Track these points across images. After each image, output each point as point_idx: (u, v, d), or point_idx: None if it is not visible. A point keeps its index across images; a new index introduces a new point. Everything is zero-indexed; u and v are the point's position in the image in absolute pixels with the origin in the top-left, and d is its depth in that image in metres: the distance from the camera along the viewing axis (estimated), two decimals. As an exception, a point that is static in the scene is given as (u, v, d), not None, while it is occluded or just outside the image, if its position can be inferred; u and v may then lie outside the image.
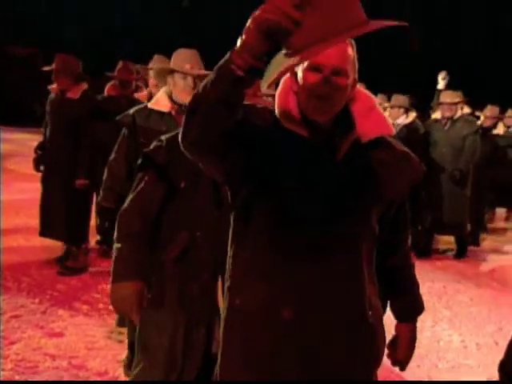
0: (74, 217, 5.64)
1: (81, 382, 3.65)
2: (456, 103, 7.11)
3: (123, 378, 3.64)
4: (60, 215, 5.61)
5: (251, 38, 1.47)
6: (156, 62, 5.30)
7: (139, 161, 2.58)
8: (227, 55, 1.54)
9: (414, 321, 2.13)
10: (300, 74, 1.81)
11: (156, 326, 2.57)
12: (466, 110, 7.73)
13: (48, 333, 4.30)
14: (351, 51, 1.82)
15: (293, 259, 1.79)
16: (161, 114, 3.49)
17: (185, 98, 3.43)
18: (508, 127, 9.20)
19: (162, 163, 2.51)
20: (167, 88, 3.54)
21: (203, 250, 2.52)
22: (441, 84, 7.47)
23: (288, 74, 1.85)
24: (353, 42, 1.83)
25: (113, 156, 3.76)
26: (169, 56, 5.05)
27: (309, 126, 1.82)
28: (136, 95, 5.95)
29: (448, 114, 7.11)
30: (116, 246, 2.51)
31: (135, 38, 20.83)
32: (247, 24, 1.48)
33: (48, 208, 5.71)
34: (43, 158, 5.81)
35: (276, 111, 1.88)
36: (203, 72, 3.50)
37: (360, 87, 1.93)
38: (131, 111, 3.62)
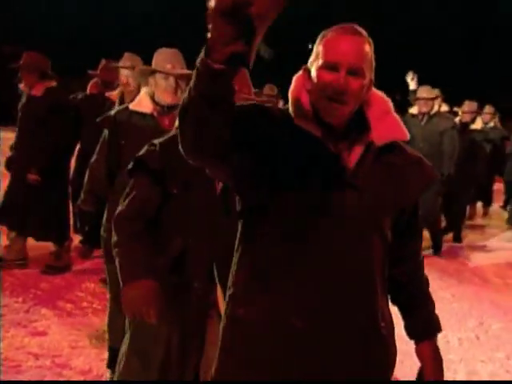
0: (53, 216, 5.56)
1: (69, 382, 3.60)
2: (432, 98, 7.13)
3: (107, 376, 3.60)
4: (38, 215, 5.50)
5: (216, 26, 1.35)
6: (126, 61, 5.18)
7: (130, 165, 2.46)
8: (201, 52, 1.44)
9: (434, 338, 1.94)
10: (314, 72, 1.70)
11: (150, 336, 2.44)
12: (444, 107, 7.75)
13: (31, 332, 4.24)
14: (368, 49, 1.71)
15: (302, 268, 1.68)
16: (143, 115, 3.40)
17: (167, 99, 3.37)
18: (485, 123, 9.26)
19: (155, 168, 2.40)
20: (149, 89, 3.45)
21: (197, 259, 2.41)
22: (411, 84, 7.47)
23: (301, 72, 1.77)
24: (370, 40, 1.72)
25: (94, 158, 3.66)
26: (140, 55, 4.91)
27: (322, 126, 1.70)
28: (107, 94, 5.81)
29: (425, 110, 7.11)
30: (116, 250, 2.38)
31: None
32: (208, 14, 1.36)
33: (20, 206, 5.54)
34: (12, 157, 5.71)
35: (290, 109, 1.75)
36: (185, 71, 3.41)
37: (375, 89, 1.82)
38: (112, 112, 3.53)
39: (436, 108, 7.25)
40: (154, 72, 3.39)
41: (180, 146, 1.58)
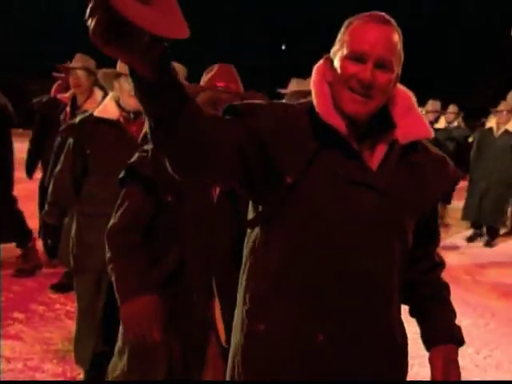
0: (14, 218, 5.43)
1: (68, 382, 3.52)
2: None
3: (81, 378, 3.51)
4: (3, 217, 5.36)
5: (117, 50, 1.18)
6: (77, 61, 5.04)
7: (121, 174, 2.30)
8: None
9: (451, 346, 1.74)
10: (337, 63, 1.55)
11: (149, 356, 2.25)
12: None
13: (3, 335, 4.13)
14: (398, 40, 1.55)
15: (324, 277, 1.55)
16: (108, 122, 3.19)
17: (132, 104, 3.13)
18: (449, 122, 9.34)
19: (147, 175, 2.24)
20: (114, 93, 3.24)
21: (195, 270, 2.23)
22: None
23: (322, 61, 1.62)
24: (400, 31, 1.56)
25: (58, 168, 3.42)
26: (92, 55, 4.67)
27: (345, 121, 1.56)
28: (59, 96, 5.60)
29: None
30: (111, 266, 2.22)
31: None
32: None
33: None
34: None
35: (314, 102, 1.58)
36: None
37: (398, 84, 1.67)
38: (76, 120, 3.31)
39: None
40: (118, 75, 3.18)
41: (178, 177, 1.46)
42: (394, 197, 1.58)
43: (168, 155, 1.41)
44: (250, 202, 1.68)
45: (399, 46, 1.55)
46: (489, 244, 7.92)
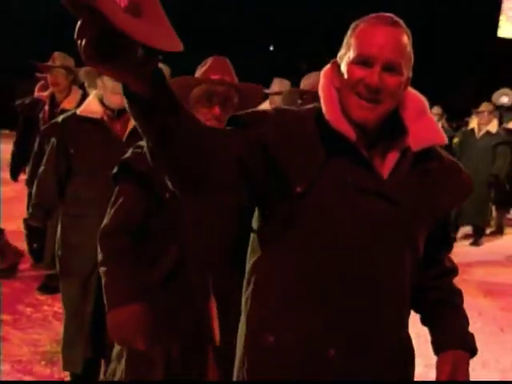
0: None
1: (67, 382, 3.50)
2: None
3: (68, 380, 3.50)
4: None
5: (110, 69, 1.14)
6: (56, 60, 4.98)
7: (115, 170, 2.24)
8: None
9: (461, 352, 1.66)
10: (344, 67, 1.49)
11: (146, 358, 2.19)
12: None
13: (-9, 337, 4.11)
14: (407, 41, 1.48)
15: (334, 288, 1.50)
16: (92, 120, 3.13)
17: (116, 101, 3.08)
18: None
19: (142, 171, 2.17)
20: (98, 91, 3.19)
21: (193, 270, 2.17)
22: None
23: (329, 65, 1.57)
24: (409, 33, 1.50)
25: (41, 169, 3.32)
26: (71, 53, 4.56)
27: (355, 128, 1.49)
28: (39, 94, 5.54)
29: None
30: (103, 269, 2.18)
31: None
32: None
33: None
34: None
35: (323, 109, 1.52)
36: None
37: (409, 88, 1.59)
38: (59, 119, 3.24)
39: None
40: (101, 73, 3.07)
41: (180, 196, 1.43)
42: (405, 206, 1.52)
43: (167, 172, 1.37)
44: (257, 209, 1.62)
45: (409, 48, 1.49)
46: (476, 243, 7.96)
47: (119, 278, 2.14)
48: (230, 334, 2.19)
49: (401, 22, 1.49)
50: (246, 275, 1.64)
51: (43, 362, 3.77)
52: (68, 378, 3.47)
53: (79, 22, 1.08)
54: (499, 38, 16.31)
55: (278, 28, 16.40)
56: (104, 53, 1.09)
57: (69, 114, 3.27)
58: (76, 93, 5.03)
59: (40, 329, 4.29)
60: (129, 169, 2.21)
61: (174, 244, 2.17)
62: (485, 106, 7.96)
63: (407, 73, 1.50)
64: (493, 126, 7.90)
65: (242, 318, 1.64)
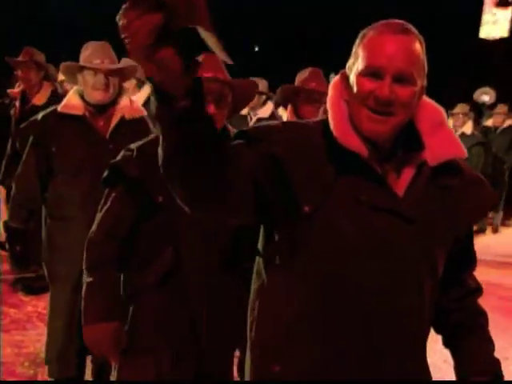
0: None
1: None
2: None
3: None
4: None
5: (162, 59, 1.10)
6: (26, 55, 4.88)
7: (105, 174, 2.19)
8: (155, 102, 1.19)
9: (487, 375, 1.59)
10: (353, 79, 1.41)
11: (137, 367, 2.16)
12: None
13: (-26, 339, 4.07)
14: (420, 49, 1.40)
15: (344, 314, 1.40)
16: (74, 117, 3.04)
17: (97, 97, 3.03)
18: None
19: (132, 176, 2.13)
20: (78, 87, 3.11)
21: (191, 272, 2.14)
22: None
23: (338, 77, 1.48)
24: (421, 39, 1.42)
25: (20, 169, 3.19)
26: (40, 48, 4.46)
27: (366, 143, 1.40)
28: (9, 91, 5.43)
29: None
30: (87, 279, 2.15)
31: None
32: (142, 52, 1.09)
33: None
34: None
35: (331, 124, 1.44)
36: (115, 66, 3.08)
37: (425, 97, 1.49)
38: (39, 117, 3.15)
39: None
40: (81, 68, 3.04)
41: (186, 207, 1.34)
42: (423, 225, 1.42)
43: (179, 185, 1.30)
44: (262, 229, 1.53)
45: (421, 56, 1.40)
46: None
47: (99, 294, 2.13)
48: (223, 336, 2.20)
49: (412, 28, 1.41)
50: (251, 298, 1.56)
51: (26, 364, 3.74)
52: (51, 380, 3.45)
53: (136, 7, 1.04)
54: (481, 38, 16.44)
55: (263, 29, 16.42)
56: (161, 41, 1.07)
57: (48, 110, 3.18)
58: (47, 89, 4.95)
59: (23, 330, 4.26)
60: (118, 173, 2.16)
61: (169, 246, 2.14)
62: (460, 108, 7.96)
63: (421, 82, 1.41)
64: (467, 128, 7.91)
65: (248, 343, 1.56)
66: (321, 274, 1.41)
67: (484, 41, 16.38)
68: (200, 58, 2.21)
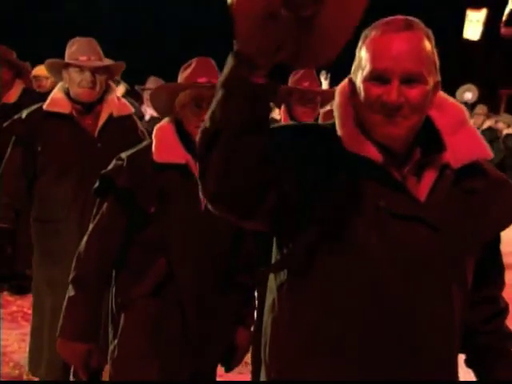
0: None
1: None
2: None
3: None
4: None
5: (262, 30, 1.05)
6: None
7: (96, 184, 2.13)
8: (231, 62, 1.12)
9: None
10: (359, 85, 1.32)
11: (127, 374, 2.12)
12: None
13: (-41, 338, 4.02)
14: (428, 45, 1.30)
15: (366, 327, 1.31)
16: (60, 116, 2.96)
17: (83, 96, 2.96)
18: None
19: (123, 186, 2.07)
20: (63, 84, 3.02)
21: (184, 282, 2.09)
22: (324, 84, 7.43)
23: (345, 82, 1.39)
24: (429, 32, 1.32)
25: (4, 169, 3.08)
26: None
27: (380, 148, 1.31)
28: None
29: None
30: (70, 292, 2.11)
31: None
32: (243, 17, 1.07)
33: None
34: None
35: (338, 132, 1.35)
36: (102, 64, 3.00)
37: (445, 95, 1.41)
38: (23, 115, 3.04)
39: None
40: (67, 65, 2.96)
41: (202, 189, 1.23)
42: (449, 232, 1.32)
43: (214, 172, 1.19)
44: (275, 242, 1.43)
45: (430, 51, 1.30)
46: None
47: (78, 312, 2.11)
48: (215, 347, 2.19)
49: (417, 22, 1.31)
50: (265, 316, 1.45)
51: (11, 364, 3.71)
52: (37, 379, 3.41)
53: None
54: (465, 39, 16.52)
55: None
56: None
57: (33, 108, 3.09)
58: (18, 87, 4.87)
59: (8, 329, 4.22)
60: (109, 183, 2.12)
61: (162, 257, 2.10)
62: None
63: (433, 79, 1.31)
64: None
65: (264, 361, 1.45)
66: (337, 286, 1.32)
67: (467, 41, 16.47)
68: (194, 63, 2.19)
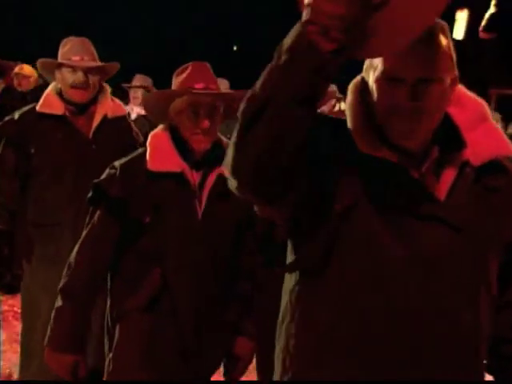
0: None
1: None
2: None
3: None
4: None
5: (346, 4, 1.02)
6: None
7: (90, 194, 2.11)
8: (301, 29, 1.07)
9: None
10: (371, 84, 1.28)
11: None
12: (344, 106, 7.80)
13: (-51, 338, 4.01)
14: (443, 39, 1.24)
15: (383, 332, 1.26)
16: (54, 117, 2.91)
17: (76, 96, 2.91)
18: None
19: (115, 196, 2.05)
20: (55, 85, 2.98)
21: (181, 294, 2.04)
22: None
23: (357, 79, 1.36)
24: (444, 26, 1.27)
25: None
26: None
27: (395, 148, 1.28)
28: None
29: None
30: (59, 302, 2.09)
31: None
32: None
33: None
34: None
35: (351, 130, 1.32)
36: (95, 64, 2.96)
37: (464, 89, 1.36)
38: (16, 116, 2.99)
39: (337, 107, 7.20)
40: (59, 65, 2.92)
41: (229, 172, 1.18)
42: (471, 232, 1.27)
43: (256, 143, 1.13)
44: (289, 243, 1.40)
45: (446, 46, 1.25)
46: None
47: (66, 323, 2.09)
48: (212, 359, 2.17)
49: None
50: (280, 317, 1.42)
51: (1, 363, 3.70)
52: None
53: None
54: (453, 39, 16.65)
55: (241, 28, 16.38)
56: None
57: (26, 109, 3.04)
58: None
59: (-1, 329, 4.21)
60: (101, 192, 2.09)
61: (157, 268, 2.06)
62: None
63: (450, 74, 1.26)
64: None
65: (276, 371, 1.42)
66: (355, 286, 1.28)
67: (456, 41, 16.53)
68: (190, 67, 2.13)
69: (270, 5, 14.86)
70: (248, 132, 1.13)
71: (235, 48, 20.97)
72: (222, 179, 2.01)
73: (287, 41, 1.09)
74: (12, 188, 3.01)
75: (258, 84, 1.13)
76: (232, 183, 1.21)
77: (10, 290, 4.83)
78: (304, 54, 1.07)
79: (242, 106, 1.16)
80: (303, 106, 1.10)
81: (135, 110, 6.16)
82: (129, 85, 5.94)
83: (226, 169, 1.21)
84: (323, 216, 1.28)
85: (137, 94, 5.69)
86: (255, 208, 1.35)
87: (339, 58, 1.08)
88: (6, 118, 3.08)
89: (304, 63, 1.07)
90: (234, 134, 1.16)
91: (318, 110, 1.28)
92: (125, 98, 6.58)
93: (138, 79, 5.95)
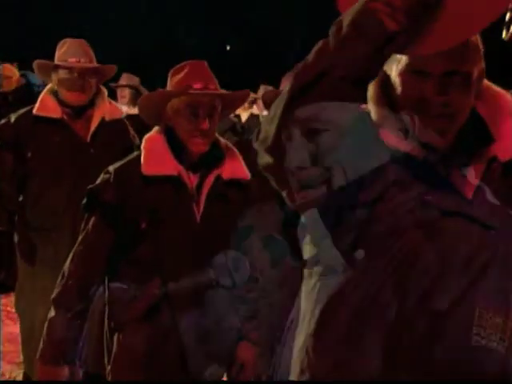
0: None
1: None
2: None
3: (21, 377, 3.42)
4: None
5: None
6: None
7: (84, 200, 2.06)
8: (361, 6, 1.06)
9: None
10: (394, 78, 1.22)
11: None
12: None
13: None
14: None
15: (412, 328, 1.19)
16: (51, 120, 2.88)
17: (72, 98, 2.87)
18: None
19: (110, 201, 2.00)
20: (51, 87, 2.94)
21: (181, 305, 2.00)
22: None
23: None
24: None
25: None
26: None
27: (420, 143, 1.22)
28: None
29: None
30: (52, 313, 2.05)
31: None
32: None
33: None
34: None
35: (377, 128, 1.25)
36: (92, 65, 2.93)
37: (490, 83, 1.30)
38: (12, 119, 2.95)
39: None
40: (56, 67, 2.89)
41: (270, 142, 1.13)
42: (501, 230, 1.22)
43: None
44: (308, 237, 1.35)
45: (474, 38, 1.21)
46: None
47: (59, 333, 2.04)
48: (216, 371, 2.13)
49: None
50: (302, 315, 1.36)
51: (-5, 361, 3.70)
52: (19, 377, 3.42)
53: None
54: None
55: (234, 27, 16.36)
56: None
57: (22, 112, 3.00)
58: None
59: (-8, 328, 4.20)
60: (95, 198, 2.04)
61: (156, 276, 2.02)
62: None
63: (478, 66, 1.22)
64: None
65: (293, 372, 1.36)
66: (379, 283, 1.21)
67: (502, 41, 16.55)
68: (188, 66, 2.08)
69: (262, 5, 14.85)
70: (295, 107, 1.09)
71: (228, 48, 20.94)
72: (220, 181, 2.04)
73: (348, 17, 1.08)
74: (11, 189, 2.99)
75: (311, 58, 1.11)
76: (266, 160, 1.16)
77: (4, 288, 4.83)
78: (371, 28, 1.06)
79: (292, 80, 1.13)
80: (355, 86, 1.08)
81: (123, 110, 6.13)
82: (116, 84, 5.91)
83: (260, 145, 1.15)
84: (349, 209, 1.22)
85: (124, 93, 5.66)
86: (283, 194, 1.22)
87: (396, 44, 1.08)
88: (2, 121, 3.05)
89: (370, 38, 1.06)
90: (276, 109, 1.12)
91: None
92: (112, 97, 6.56)
93: (125, 78, 5.92)
